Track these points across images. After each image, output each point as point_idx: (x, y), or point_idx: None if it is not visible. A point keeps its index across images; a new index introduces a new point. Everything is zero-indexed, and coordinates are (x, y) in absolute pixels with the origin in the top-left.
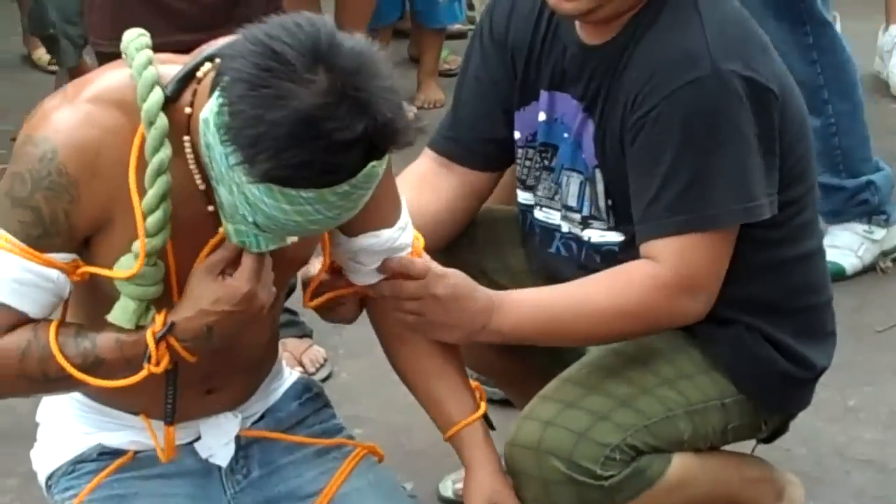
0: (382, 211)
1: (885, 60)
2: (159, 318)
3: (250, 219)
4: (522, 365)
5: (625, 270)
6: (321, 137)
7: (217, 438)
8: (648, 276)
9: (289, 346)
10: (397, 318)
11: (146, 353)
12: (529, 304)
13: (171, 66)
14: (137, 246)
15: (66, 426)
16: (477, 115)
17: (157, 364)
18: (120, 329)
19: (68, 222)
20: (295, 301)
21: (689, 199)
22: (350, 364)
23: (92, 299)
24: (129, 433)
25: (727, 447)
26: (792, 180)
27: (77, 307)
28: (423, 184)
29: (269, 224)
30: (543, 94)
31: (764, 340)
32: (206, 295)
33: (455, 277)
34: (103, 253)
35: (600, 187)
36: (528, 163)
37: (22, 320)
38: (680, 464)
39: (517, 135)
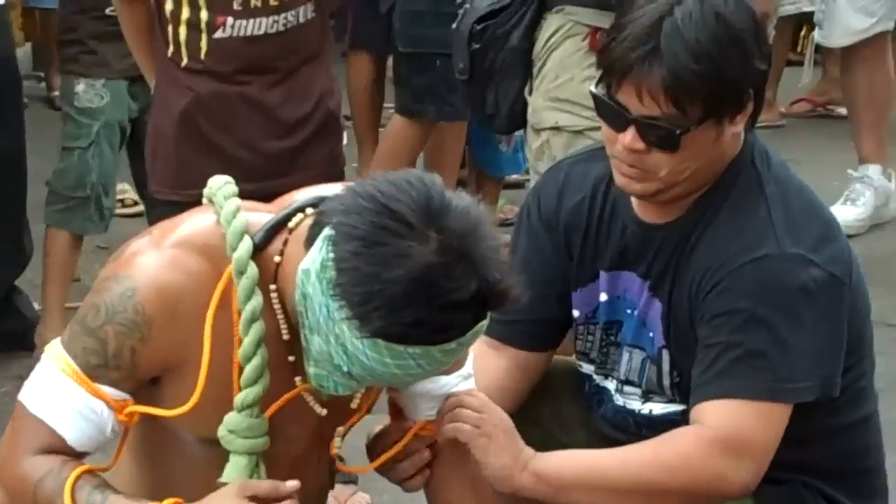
0: None
1: None
2: (172, 500)
3: (345, 369)
4: None
5: (673, 430)
6: (437, 297)
7: None
8: (693, 433)
9: (334, 492)
10: (454, 429)
11: None
12: (574, 454)
13: (256, 214)
14: (238, 399)
15: None
16: (527, 298)
17: None
18: (135, 499)
19: (132, 360)
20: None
21: (742, 367)
22: None
23: (155, 442)
24: None
25: None
26: (852, 349)
27: (141, 450)
28: (473, 365)
29: (364, 375)
30: (603, 276)
31: (822, 499)
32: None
33: None
34: (171, 397)
35: (665, 367)
36: (590, 338)
37: (58, 445)
38: None
39: (576, 313)
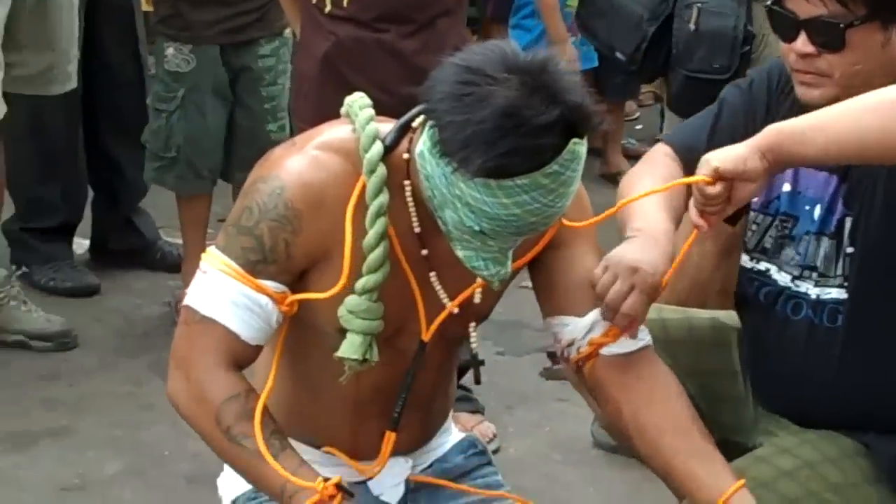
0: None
1: None
2: (335, 480)
3: (476, 228)
4: None
5: None
6: (523, 125)
7: (389, 479)
8: None
9: (461, 420)
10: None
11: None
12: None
13: (388, 125)
14: (359, 284)
15: None
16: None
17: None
18: (302, 464)
19: (287, 252)
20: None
21: None
22: (518, 442)
23: (296, 336)
24: None
25: None
26: None
27: (283, 345)
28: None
29: (493, 226)
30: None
31: None
32: None
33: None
34: (316, 290)
35: (846, 236)
36: (761, 228)
37: (234, 343)
38: None
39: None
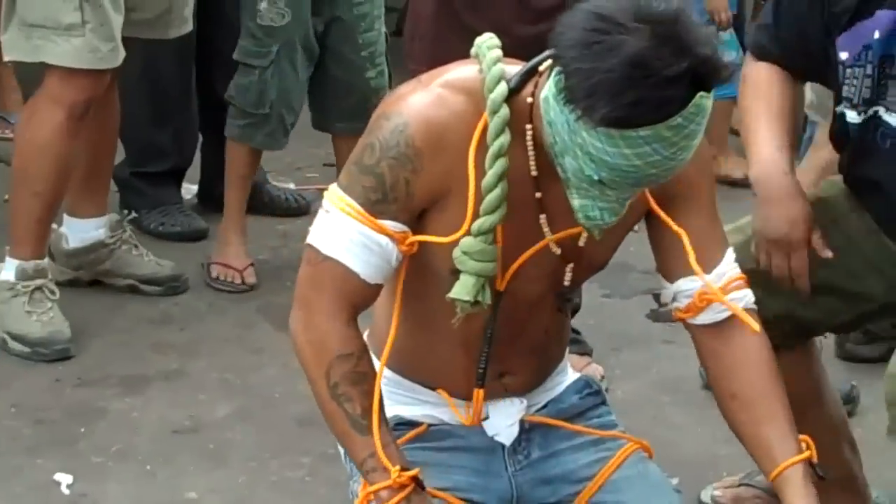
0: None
1: None
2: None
3: (595, 177)
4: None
5: None
6: (651, 76)
7: (503, 419)
8: None
9: (570, 361)
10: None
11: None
12: None
13: (515, 67)
14: (475, 225)
15: None
16: (799, 21)
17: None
18: (391, 444)
19: (407, 190)
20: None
21: None
22: (625, 384)
23: (413, 277)
24: (425, 407)
25: None
26: None
27: (399, 285)
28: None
29: (612, 177)
30: (881, 14)
31: None
32: None
33: None
34: (435, 229)
35: None
36: (859, 80)
37: (353, 281)
38: None
39: (843, 55)
